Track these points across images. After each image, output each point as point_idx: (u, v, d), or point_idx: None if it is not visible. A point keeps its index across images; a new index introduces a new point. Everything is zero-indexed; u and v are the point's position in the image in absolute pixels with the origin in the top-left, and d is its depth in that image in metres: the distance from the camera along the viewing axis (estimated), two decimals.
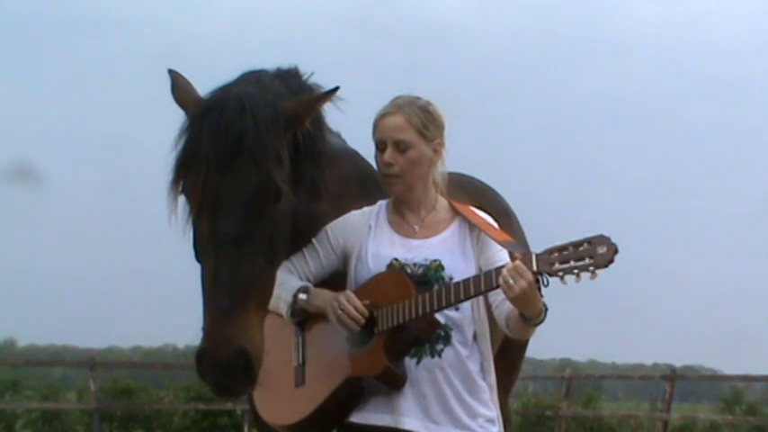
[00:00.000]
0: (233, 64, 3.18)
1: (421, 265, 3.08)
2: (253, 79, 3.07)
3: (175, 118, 2.98)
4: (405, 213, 3.19)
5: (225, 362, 2.69)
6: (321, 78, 3.23)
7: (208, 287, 2.76)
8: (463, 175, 4.06)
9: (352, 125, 3.43)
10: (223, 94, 2.92)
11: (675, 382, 16.98)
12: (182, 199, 2.90)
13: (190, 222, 2.88)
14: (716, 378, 22.76)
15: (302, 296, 3.10)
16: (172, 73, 3.02)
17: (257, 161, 2.80)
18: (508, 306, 2.94)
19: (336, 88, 3.01)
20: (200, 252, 2.83)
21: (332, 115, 3.27)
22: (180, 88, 3.00)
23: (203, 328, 2.75)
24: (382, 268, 3.09)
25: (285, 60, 3.28)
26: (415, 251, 3.11)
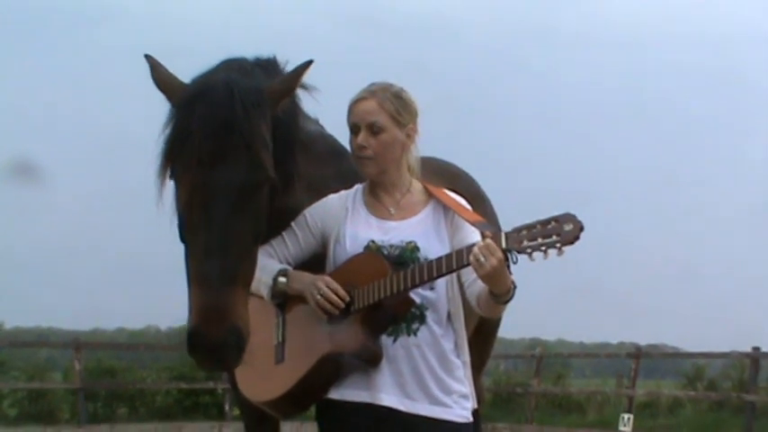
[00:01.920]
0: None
1: (397, 247, 3.13)
2: (235, 66, 3.09)
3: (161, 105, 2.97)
4: (380, 196, 3.24)
5: (220, 340, 2.68)
6: (319, 73, 3.21)
7: (197, 267, 2.75)
8: (439, 159, 4.13)
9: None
10: (210, 80, 2.93)
11: (640, 359, 17.33)
12: (170, 184, 2.89)
13: (177, 206, 2.87)
14: (678, 355, 22.88)
15: (282, 279, 3.15)
16: (149, 58, 3.00)
17: (248, 145, 2.81)
18: (479, 285, 3.00)
19: (310, 62, 3.04)
20: (188, 232, 2.81)
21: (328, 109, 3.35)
22: (161, 73, 2.98)
23: (191, 308, 2.74)
24: (359, 250, 3.14)
25: (287, 55, 3.31)
26: (392, 233, 3.16)
